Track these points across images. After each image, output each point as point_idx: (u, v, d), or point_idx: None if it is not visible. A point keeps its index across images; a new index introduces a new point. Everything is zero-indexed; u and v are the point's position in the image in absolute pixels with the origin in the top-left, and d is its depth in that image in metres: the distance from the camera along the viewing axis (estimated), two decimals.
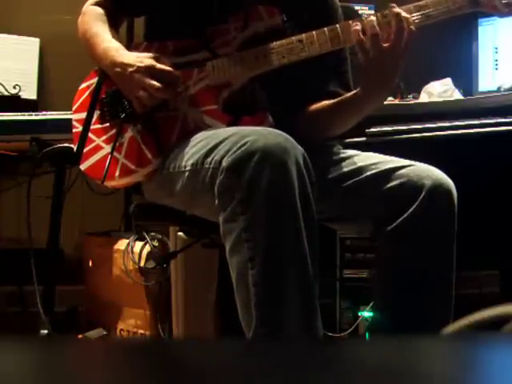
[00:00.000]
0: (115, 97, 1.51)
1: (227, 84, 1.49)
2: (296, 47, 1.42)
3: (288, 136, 1.25)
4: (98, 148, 1.52)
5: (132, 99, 1.45)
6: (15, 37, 2.58)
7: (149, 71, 1.41)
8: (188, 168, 1.35)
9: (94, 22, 1.55)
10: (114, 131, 1.51)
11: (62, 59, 2.69)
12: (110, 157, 1.48)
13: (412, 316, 1.37)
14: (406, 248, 1.38)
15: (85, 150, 1.52)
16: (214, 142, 1.30)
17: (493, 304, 0.53)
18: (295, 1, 1.56)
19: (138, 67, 1.41)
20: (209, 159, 1.29)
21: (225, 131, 1.32)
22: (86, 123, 1.53)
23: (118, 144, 1.49)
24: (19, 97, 2.36)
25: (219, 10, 1.51)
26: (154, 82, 1.41)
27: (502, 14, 1.44)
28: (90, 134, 1.53)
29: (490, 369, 0.44)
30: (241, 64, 1.46)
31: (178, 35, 1.54)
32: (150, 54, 1.45)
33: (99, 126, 1.53)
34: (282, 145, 1.20)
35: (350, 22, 1.40)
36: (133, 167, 1.47)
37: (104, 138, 1.52)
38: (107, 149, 1.50)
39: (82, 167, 1.53)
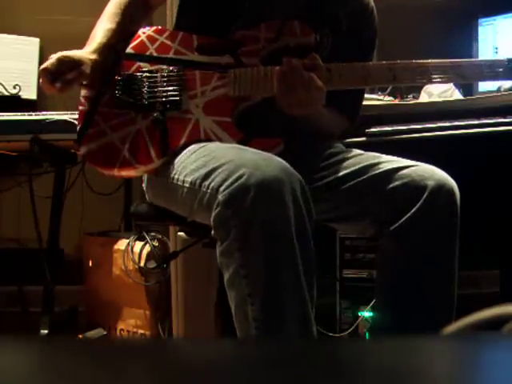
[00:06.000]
0: (128, 82, 1.50)
1: (246, 98, 1.46)
2: (323, 76, 1.37)
3: (285, 165, 1.23)
4: (101, 133, 1.49)
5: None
6: (15, 37, 2.58)
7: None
8: (186, 185, 1.34)
9: (107, 9, 1.57)
10: (121, 119, 1.48)
11: None
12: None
13: (414, 316, 1.37)
14: (408, 248, 1.38)
15: (88, 132, 1.49)
16: (212, 165, 1.28)
17: (493, 304, 0.53)
18: (333, 7, 1.53)
19: (63, 52, 1.45)
20: (206, 183, 1.27)
21: (224, 152, 1.30)
22: (95, 103, 1.50)
23: (122, 134, 1.47)
24: (19, 97, 2.36)
25: (250, 13, 1.48)
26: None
27: None
28: (96, 116, 1.49)
29: (490, 369, 0.43)
30: (264, 80, 1.43)
31: (206, 30, 1.51)
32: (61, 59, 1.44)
33: (107, 109, 1.50)
34: (279, 177, 1.18)
35: (385, 64, 1.40)
36: (134, 162, 1.45)
37: (110, 123, 1.49)
38: (111, 136, 1.48)
39: (82, 150, 1.49)
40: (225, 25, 1.50)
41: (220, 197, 1.20)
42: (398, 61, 1.41)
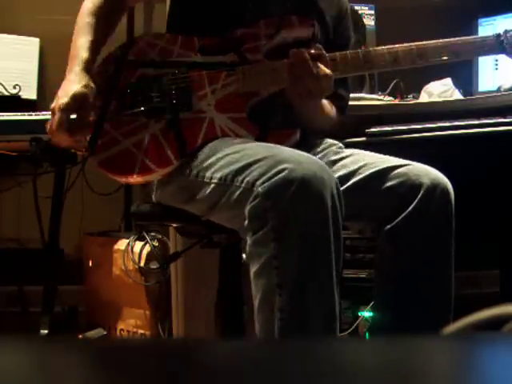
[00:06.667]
0: (138, 88, 1.47)
1: (256, 93, 1.48)
2: (328, 65, 1.42)
3: (323, 164, 1.26)
4: (114, 141, 1.45)
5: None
6: (15, 37, 2.58)
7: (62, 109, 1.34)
8: (214, 181, 1.34)
9: (83, 19, 1.48)
10: (133, 125, 1.46)
11: (62, 59, 2.67)
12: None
13: (412, 317, 1.37)
14: (404, 248, 1.38)
15: (99, 141, 1.43)
16: (246, 160, 1.28)
17: (493, 304, 0.53)
18: (322, 9, 1.58)
19: (61, 101, 1.35)
20: (239, 178, 1.27)
21: (256, 150, 1.31)
22: (103, 112, 1.44)
23: (136, 140, 1.45)
24: (19, 97, 2.36)
25: (252, 12, 1.50)
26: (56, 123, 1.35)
27: None
28: (105, 125, 1.45)
29: (490, 369, 0.43)
30: (272, 74, 1.46)
31: (205, 31, 1.51)
32: (79, 96, 1.36)
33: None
34: (319, 175, 1.20)
35: (385, 48, 1.47)
36: (153, 166, 1.43)
37: (121, 130, 1.45)
38: (125, 143, 1.44)
39: (96, 160, 1.45)
40: (227, 25, 1.50)
41: (260, 189, 1.21)
42: (397, 45, 1.48)
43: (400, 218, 1.38)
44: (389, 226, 1.39)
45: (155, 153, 1.44)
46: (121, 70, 1.48)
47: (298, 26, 1.49)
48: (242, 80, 1.47)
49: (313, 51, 1.41)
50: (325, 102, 1.56)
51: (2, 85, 2.34)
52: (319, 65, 1.39)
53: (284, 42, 1.48)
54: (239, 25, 1.50)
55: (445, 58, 1.47)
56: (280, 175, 1.20)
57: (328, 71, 1.40)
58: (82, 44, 1.45)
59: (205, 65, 1.48)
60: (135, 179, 1.46)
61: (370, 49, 1.50)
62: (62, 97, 1.36)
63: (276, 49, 1.48)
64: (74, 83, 1.38)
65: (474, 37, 1.50)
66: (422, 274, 1.38)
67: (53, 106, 1.37)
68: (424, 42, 1.47)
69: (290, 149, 1.30)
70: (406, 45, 1.48)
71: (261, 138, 1.43)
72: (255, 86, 1.47)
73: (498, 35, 1.48)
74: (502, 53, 1.50)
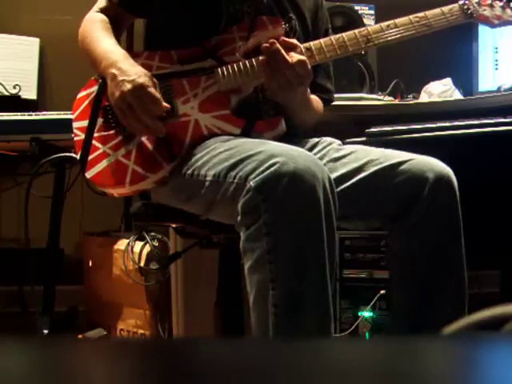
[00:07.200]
0: None
1: (237, 90, 1.50)
2: (304, 55, 1.45)
3: (315, 157, 1.27)
4: (104, 155, 1.48)
5: (116, 110, 1.43)
6: (15, 37, 2.58)
7: (139, 90, 1.39)
8: (209, 178, 1.35)
9: (96, 29, 1.54)
10: (120, 138, 1.48)
11: (62, 59, 2.69)
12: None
13: (430, 309, 1.39)
14: (416, 242, 1.40)
15: (90, 158, 1.48)
16: (239, 156, 1.29)
17: (493, 304, 0.53)
18: (300, 1, 1.63)
19: (133, 79, 1.40)
20: (233, 173, 1.28)
21: (249, 145, 1.32)
22: (89, 131, 1.49)
23: (125, 151, 1.47)
24: (19, 97, 2.36)
25: (227, 21, 1.53)
26: (142, 102, 1.39)
27: (493, 26, 1.57)
28: (94, 142, 1.49)
29: (490, 369, 0.44)
30: (251, 70, 1.48)
31: (181, 44, 1.54)
32: (150, 76, 1.43)
33: (103, 133, 1.50)
34: (312, 169, 1.21)
35: (356, 31, 1.50)
36: (144, 173, 1.44)
37: (110, 145, 1.49)
38: (115, 155, 1.47)
39: (88, 175, 1.48)
40: (202, 35, 1.53)
41: (252, 183, 1.21)
42: (367, 27, 1.53)
43: (409, 215, 1.39)
44: (398, 224, 1.42)
45: (145, 159, 1.46)
46: (102, 95, 1.50)
47: (269, 26, 1.52)
48: (222, 80, 1.50)
49: (285, 39, 1.44)
50: (311, 96, 1.59)
51: (2, 85, 2.34)
52: (292, 53, 1.42)
53: (259, 43, 1.50)
54: (214, 33, 1.53)
55: (417, 31, 1.51)
56: (271, 169, 1.20)
57: (301, 57, 1.42)
58: (110, 44, 1.50)
59: (184, 73, 1.51)
60: (129, 189, 1.47)
61: (342, 34, 1.51)
62: (139, 76, 1.41)
63: (252, 50, 1.52)
64: (135, 66, 1.44)
65: (441, 8, 1.52)
66: (435, 268, 1.40)
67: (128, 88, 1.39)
68: (392, 21, 1.51)
69: (283, 144, 1.31)
70: (376, 25, 1.52)
71: (247, 129, 1.46)
72: (235, 84, 1.50)
73: (463, 3, 1.53)
74: (470, 19, 1.55)
